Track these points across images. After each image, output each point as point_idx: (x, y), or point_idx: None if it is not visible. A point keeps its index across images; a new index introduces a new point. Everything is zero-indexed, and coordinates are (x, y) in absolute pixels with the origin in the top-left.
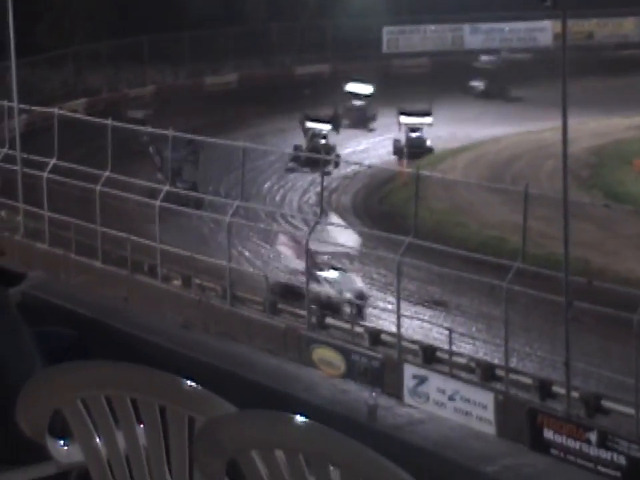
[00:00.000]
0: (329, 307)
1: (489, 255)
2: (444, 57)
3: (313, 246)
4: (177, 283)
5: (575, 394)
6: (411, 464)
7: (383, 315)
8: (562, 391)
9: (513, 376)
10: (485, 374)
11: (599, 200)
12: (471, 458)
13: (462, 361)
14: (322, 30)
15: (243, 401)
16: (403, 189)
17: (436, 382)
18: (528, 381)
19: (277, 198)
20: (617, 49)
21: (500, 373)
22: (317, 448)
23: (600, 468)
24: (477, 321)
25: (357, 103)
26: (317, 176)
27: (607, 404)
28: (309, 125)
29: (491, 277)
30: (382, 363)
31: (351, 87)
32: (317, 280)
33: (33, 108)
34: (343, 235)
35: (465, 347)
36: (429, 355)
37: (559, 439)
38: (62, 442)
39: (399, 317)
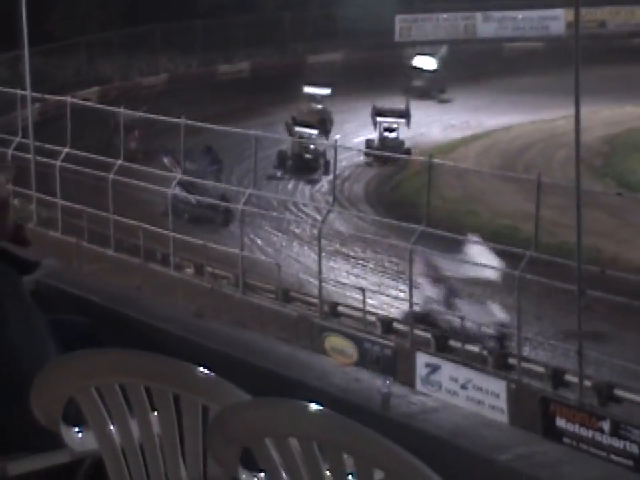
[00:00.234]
0: (467, 339)
1: (501, 244)
2: (456, 45)
3: (449, 268)
4: (190, 271)
5: (587, 383)
6: (424, 452)
7: (394, 303)
8: (574, 379)
9: (525, 365)
10: (498, 362)
11: (611, 189)
12: (484, 446)
13: (475, 349)
14: (334, 18)
15: (256, 389)
16: (415, 177)
17: (448, 370)
18: (540, 369)
19: (289, 186)
20: (629, 37)
21: (512, 361)
22: (330, 436)
23: (612, 457)
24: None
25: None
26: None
27: (619, 392)
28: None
29: (504, 265)
30: (394, 351)
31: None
32: (453, 308)
33: (46, 96)
34: (482, 256)
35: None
36: (441, 344)
37: (571, 427)
38: (76, 430)
39: (411, 306)
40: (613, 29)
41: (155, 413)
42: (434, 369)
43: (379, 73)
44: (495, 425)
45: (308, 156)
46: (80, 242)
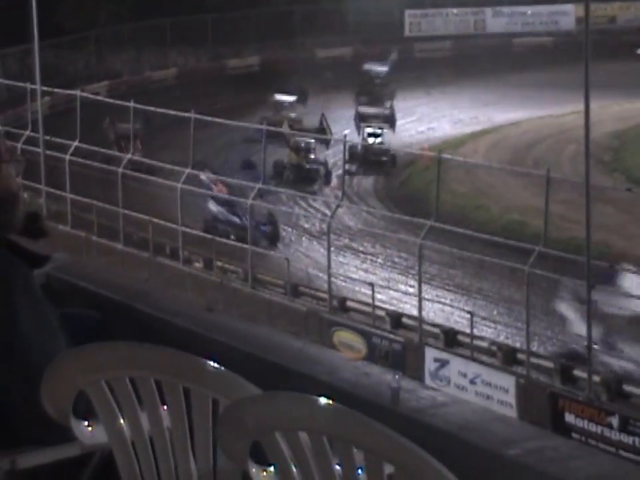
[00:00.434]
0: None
1: (510, 239)
2: (466, 40)
3: (601, 299)
4: (199, 265)
5: (596, 378)
6: (433, 446)
7: (404, 298)
8: (583, 375)
9: (534, 360)
10: (506, 358)
11: (621, 184)
12: (493, 441)
13: (483, 344)
14: (344, 13)
15: (265, 382)
16: (424, 172)
17: (457, 365)
18: (549, 364)
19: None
20: (639, 32)
21: (521, 356)
22: (340, 430)
23: (621, 452)
24: (498, 304)
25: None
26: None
27: (628, 388)
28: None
29: (513, 260)
30: (403, 346)
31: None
32: (614, 348)
33: (56, 90)
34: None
35: (486, 331)
36: (450, 339)
37: (580, 423)
38: (86, 423)
39: (420, 300)
40: (622, 24)
41: (165, 407)
42: (443, 363)
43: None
44: (504, 420)
45: (308, 166)
46: (89, 236)
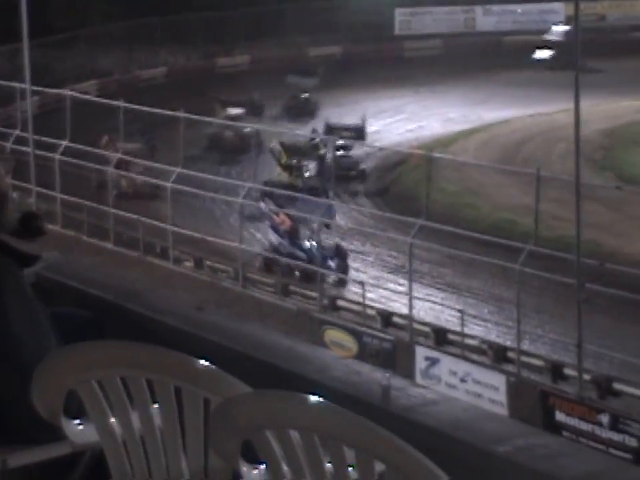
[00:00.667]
0: None
1: (500, 237)
2: (456, 38)
3: None
4: (189, 264)
5: (586, 376)
6: (424, 444)
7: (394, 296)
8: (574, 373)
9: (524, 358)
10: (497, 356)
11: (610, 182)
12: (483, 439)
13: (474, 343)
14: (334, 12)
15: (256, 381)
16: (415, 170)
17: (448, 364)
18: (540, 363)
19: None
20: (629, 30)
21: (512, 355)
22: (331, 428)
23: (612, 450)
24: (488, 303)
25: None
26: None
27: (618, 386)
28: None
29: (503, 259)
30: (394, 345)
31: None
32: None
33: (45, 90)
34: None
35: (476, 329)
36: (440, 337)
37: (570, 421)
38: (77, 422)
39: (410, 299)
40: (612, 22)
41: (156, 405)
42: (433, 362)
43: (377, 65)
44: (495, 418)
45: (302, 186)
46: (79, 235)
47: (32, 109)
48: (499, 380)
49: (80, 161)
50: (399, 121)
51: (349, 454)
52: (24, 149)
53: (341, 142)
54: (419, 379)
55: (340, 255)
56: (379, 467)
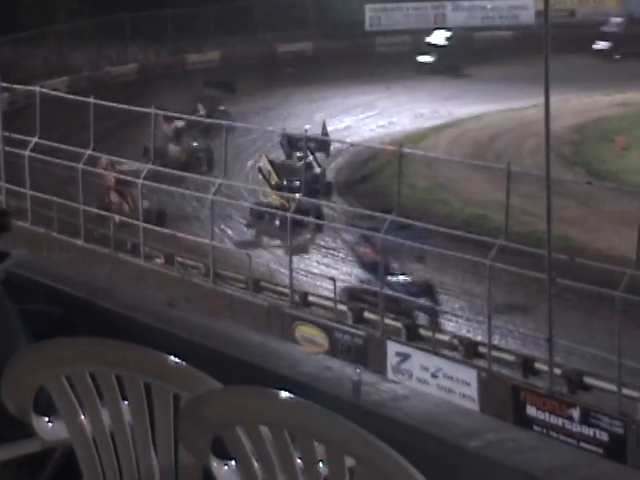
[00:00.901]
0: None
1: (471, 232)
2: (426, 34)
3: None
4: (160, 261)
5: (557, 371)
6: (395, 439)
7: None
8: (545, 367)
9: (495, 353)
10: (468, 351)
11: (581, 177)
12: (454, 433)
13: (445, 338)
14: (304, 7)
15: (227, 377)
16: (386, 166)
17: (419, 359)
18: (511, 358)
19: (260, 176)
20: (598, 26)
21: (483, 350)
22: (301, 424)
23: (582, 444)
24: (459, 298)
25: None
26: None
27: (589, 380)
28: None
29: (474, 254)
30: (365, 341)
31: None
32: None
33: (15, 86)
34: None
35: (447, 325)
36: (412, 333)
37: (541, 415)
38: (47, 419)
39: (381, 295)
40: (582, 17)
41: (126, 402)
42: (405, 357)
43: (348, 61)
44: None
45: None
46: (49, 232)
47: (1, 105)
48: (470, 375)
49: (50, 157)
50: (370, 117)
51: (320, 449)
52: None
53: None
54: (390, 374)
55: (429, 292)
56: (350, 462)
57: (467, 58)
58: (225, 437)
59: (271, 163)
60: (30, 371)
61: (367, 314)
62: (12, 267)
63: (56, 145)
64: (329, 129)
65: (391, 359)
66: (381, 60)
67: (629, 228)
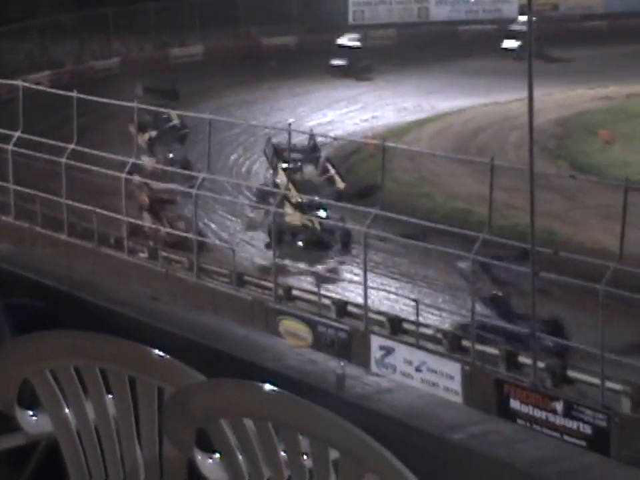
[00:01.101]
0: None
1: (455, 226)
2: (410, 28)
3: None
4: (144, 255)
5: (541, 364)
6: (379, 431)
7: (349, 286)
8: (528, 361)
9: (479, 346)
10: (452, 345)
11: (564, 171)
12: (438, 426)
13: (428, 332)
14: (288, 1)
15: (211, 370)
16: (369, 160)
17: (403, 353)
18: (494, 351)
19: (243, 170)
20: (581, 20)
21: (466, 344)
22: (286, 417)
23: (566, 437)
24: (443, 292)
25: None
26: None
27: (572, 374)
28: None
29: (457, 248)
30: (349, 334)
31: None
32: None
33: None
34: None
35: (431, 318)
36: (395, 326)
37: (525, 409)
38: (31, 412)
39: (365, 289)
40: (565, 11)
41: (110, 395)
42: (388, 351)
43: (333, 55)
44: (450, 405)
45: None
46: (33, 227)
47: None
48: (453, 368)
49: (33, 152)
50: (353, 111)
51: (304, 442)
52: None
53: (287, 166)
54: (374, 368)
55: (559, 331)
56: (334, 454)
57: (452, 50)
58: (209, 430)
59: (289, 178)
60: (14, 365)
61: (350, 308)
62: None
63: (39, 139)
64: (312, 123)
65: (375, 353)
66: (365, 54)
67: (612, 222)
